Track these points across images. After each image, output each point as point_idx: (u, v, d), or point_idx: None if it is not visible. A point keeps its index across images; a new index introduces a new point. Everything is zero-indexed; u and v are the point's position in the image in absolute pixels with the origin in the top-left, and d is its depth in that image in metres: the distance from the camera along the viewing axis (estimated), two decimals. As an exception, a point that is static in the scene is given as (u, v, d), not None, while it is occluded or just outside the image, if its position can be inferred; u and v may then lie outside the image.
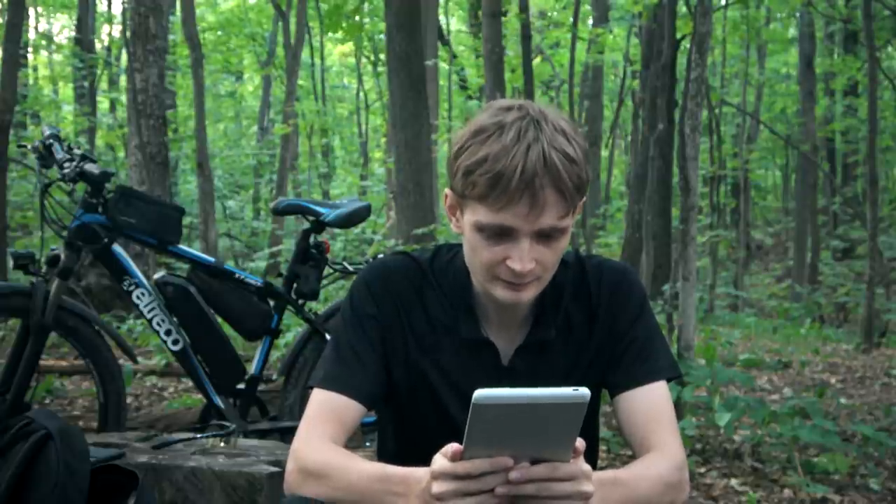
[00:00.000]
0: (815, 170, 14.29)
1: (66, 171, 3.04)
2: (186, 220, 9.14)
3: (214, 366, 3.24)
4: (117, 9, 18.05)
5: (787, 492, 3.31)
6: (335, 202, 3.37)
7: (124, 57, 13.17)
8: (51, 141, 3.14)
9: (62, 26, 23.04)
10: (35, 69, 19.31)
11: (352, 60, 20.64)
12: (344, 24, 14.70)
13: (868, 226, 8.51)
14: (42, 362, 3.38)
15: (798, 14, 14.36)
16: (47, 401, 4.59)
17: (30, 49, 17.19)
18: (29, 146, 3.28)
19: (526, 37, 9.60)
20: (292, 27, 13.84)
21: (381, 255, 3.14)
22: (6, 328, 5.48)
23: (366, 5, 14.93)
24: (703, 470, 3.56)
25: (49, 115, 15.76)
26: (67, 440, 1.91)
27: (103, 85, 17.91)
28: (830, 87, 16.24)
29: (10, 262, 3.15)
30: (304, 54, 16.09)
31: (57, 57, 19.86)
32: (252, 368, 3.29)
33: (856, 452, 3.73)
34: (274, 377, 3.65)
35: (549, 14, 16.73)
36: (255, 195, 18.55)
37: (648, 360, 1.48)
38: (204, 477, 2.10)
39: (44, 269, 3.07)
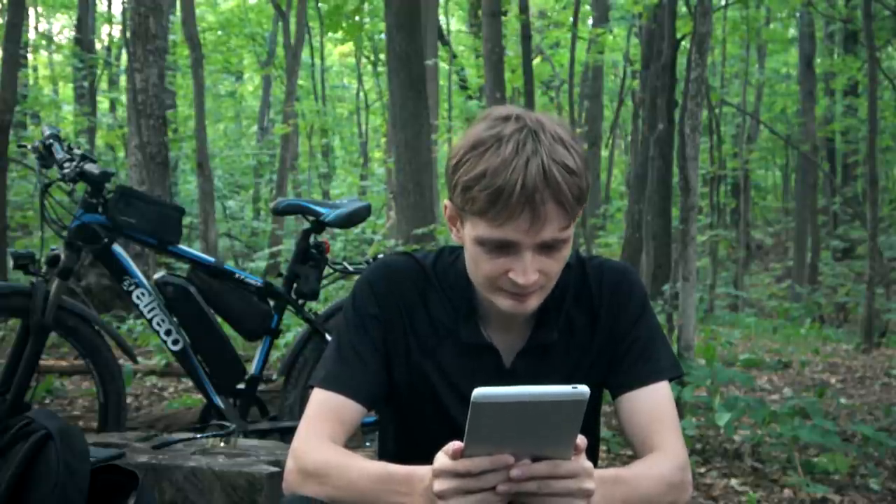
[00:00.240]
0: (815, 170, 14.29)
1: (66, 171, 3.04)
2: (186, 220, 9.14)
3: (214, 366, 3.24)
4: (117, 9, 18.07)
5: (787, 492, 3.31)
6: (335, 202, 3.36)
7: (124, 57, 13.17)
8: (51, 141, 3.14)
9: (62, 26, 23.07)
10: (35, 69, 19.31)
11: (352, 60, 20.65)
12: (344, 24, 14.70)
13: (868, 226, 8.51)
14: (42, 362, 3.38)
15: (798, 14, 14.36)
16: (47, 401, 4.59)
17: (30, 49, 17.19)
18: (29, 146, 3.28)
19: (526, 37, 9.60)
20: (292, 27, 13.85)
21: (381, 255, 3.15)
22: (6, 328, 5.48)
23: (366, 5, 14.92)
24: (703, 470, 3.57)
25: (49, 115, 15.76)
26: (67, 440, 1.91)
27: (103, 85, 17.92)
28: (830, 87, 16.24)
29: (10, 262, 3.14)
30: (304, 54, 16.09)
31: (57, 57, 19.87)
32: (252, 368, 3.29)
33: (856, 452, 3.73)
34: (274, 377, 3.65)
35: (549, 14, 16.72)
36: (255, 195, 18.56)
37: (650, 361, 1.47)
38: (204, 477, 2.10)
39: (44, 269, 3.07)
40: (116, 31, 18.73)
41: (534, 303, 1.39)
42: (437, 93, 12.60)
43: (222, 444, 2.41)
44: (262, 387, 3.35)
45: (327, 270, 3.37)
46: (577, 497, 1.19)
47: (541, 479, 1.17)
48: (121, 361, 3.49)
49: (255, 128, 21.00)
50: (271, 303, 3.31)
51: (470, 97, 16.99)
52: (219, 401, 3.21)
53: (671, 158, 9.37)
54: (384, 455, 1.59)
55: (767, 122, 16.68)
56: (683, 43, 9.59)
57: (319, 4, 15.48)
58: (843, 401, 5.25)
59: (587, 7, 15.33)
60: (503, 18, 10.03)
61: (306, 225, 3.37)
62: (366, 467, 1.33)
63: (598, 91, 15.92)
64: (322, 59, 18.70)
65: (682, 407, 3.98)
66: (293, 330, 5.21)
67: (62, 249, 3.08)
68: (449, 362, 1.48)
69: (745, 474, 3.53)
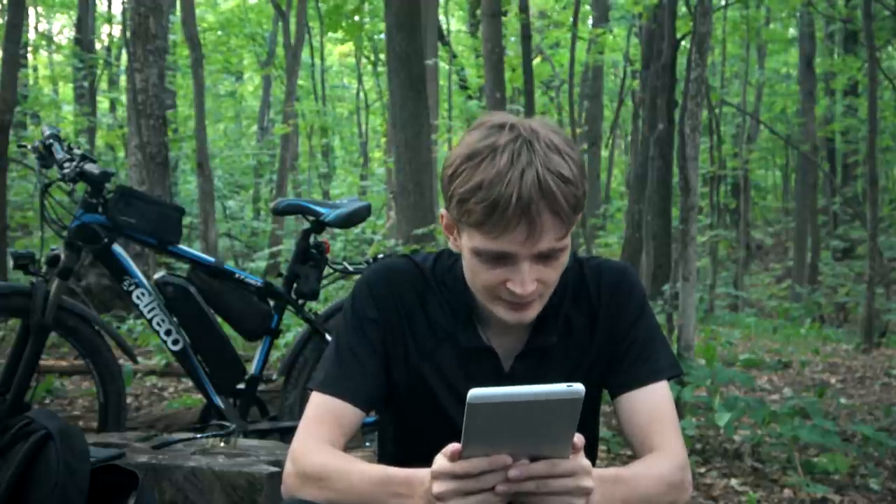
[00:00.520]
0: (815, 170, 14.29)
1: (66, 171, 3.04)
2: (186, 220, 9.14)
3: (214, 366, 3.24)
4: (117, 9, 18.06)
5: (787, 492, 3.31)
6: (335, 202, 3.36)
7: (124, 57, 13.17)
8: (51, 141, 3.14)
9: (62, 26, 23.08)
10: (35, 69, 19.31)
11: (352, 60, 20.65)
12: (344, 24, 14.71)
13: (868, 226, 8.51)
14: (42, 362, 3.38)
15: (798, 14, 14.36)
16: (47, 401, 4.59)
17: (30, 49, 17.19)
18: (29, 146, 3.28)
19: (526, 37, 9.61)
20: (292, 27, 13.85)
21: (381, 256, 3.15)
22: (6, 328, 5.48)
23: (366, 5, 14.92)
24: (703, 470, 3.57)
25: (49, 115, 15.76)
26: (67, 440, 1.91)
27: (103, 85, 17.92)
28: (830, 87, 16.25)
29: (10, 262, 3.14)
30: (304, 54, 16.09)
31: (57, 57, 19.87)
32: (252, 368, 3.29)
33: (856, 452, 3.73)
34: (274, 377, 3.65)
35: (549, 14, 16.72)
36: (255, 195, 18.56)
37: (649, 361, 1.47)
38: (204, 477, 2.10)
39: (44, 269, 3.07)
40: (116, 31, 18.74)
41: (533, 312, 1.39)
42: (437, 93, 12.59)
43: (222, 444, 2.41)
44: (262, 387, 3.35)
45: (327, 270, 3.37)
46: (575, 495, 1.19)
47: (539, 478, 1.17)
48: (121, 361, 3.49)
49: (255, 128, 21.01)
50: (271, 303, 3.31)
51: (470, 97, 16.99)
52: (219, 401, 3.20)
53: (671, 158, 9.37)
54: (383, 457, 1.59)
55: (767, 122, 16.68)
56: (683, 43, 9.59)
57: (319, 4, 15.48)
58: (843, 401, 5.25)
59: (587, 7, 15.33)
60: (503, 18, 10.03)
61: (306, 225, 3.37)
62: (365, 470, 1.33)
63: (598, 91, 15.92)
64: (322, 59, 18.70)
65: (682, 407, 3.98)
66: (293, 330, 5.21)
67: (62, 249, 3.08)
68: (448, 365, 1.47)
69: (745, 474, 3.53)
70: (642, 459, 1.41)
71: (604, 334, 1.49)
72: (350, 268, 3.40)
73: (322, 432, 1.41)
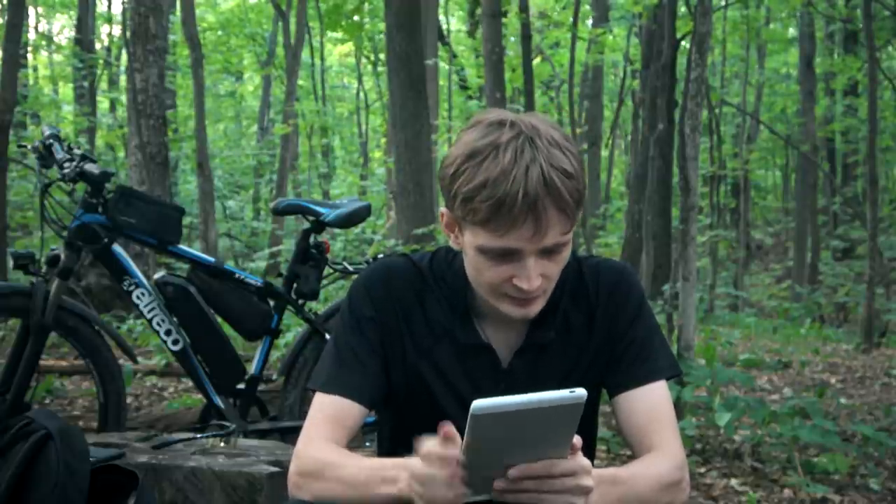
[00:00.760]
0: (815, 170, 14.29)
1: (66, 171, 3.04)
2: (186, 220, 9.13)
3: (214, 366, 3.24)
4: (117, 9, 18.06)
5: (787, 492, 3.31)
6: (335, 202, 3.36)
7: (124, 57, 13.17)
8: (51, 141, 3.14)
9: (62, 26, 23.07)
10: (35, 69, 19.31)
11: (352, 60, 20.65)
12: (343, 24, 14.71)
13: (868, 226, 8.51)
14: (42, 362, 3.38)
15: (798, 14, 14.36)
16: (47, 401, 4.59)
17: (30, 49, 17.19)
18: (29, 146, 3.28)
19: (526, 37, 9.61)
20: (292, 27, 13.85)
21: (381, 256, 3.15)
22: (6, 328, 5.48)
23: (366, 5, 14.93)
24: (703, 470, 3.56)
25: (49, 115, 15.75)
26: (67, 440, 1.91)
27: (103, 85, 17.92)
28: (830, 87, 16.25)
29: (10, 262, 3.14)
30: (304, 54, 16.08)
31: (57, 57, 19.86)
32: (252, 368, 3.29)
33: (856, 452, 3.73)
34: (274, 377, 3.65)
35: (549, 14, 16.72)
36: (255, 195, 18.55)
37: (648, 360, 1.47)
38: (204, 477, 2.10)
39: (44, 269, 3.07)
40: (116, 31, 18.73)
41: (538, 307, 1.39)
42: (437, 93, 12.60)
43: (222, 444, 2.41)
44: (262, 387, 3.35)
45: (327, 270, 3.37)
46: (575, 494, 1.19)
47: (538, 478, 1.17)
48: (121, 361, 3.49)
49: (255, 128, 21.00)
50: (271, 303, 3.31)
51: (470, 97, 17.00)
52: (219, 401, 3.20)
53: (671, 158, 9.37)
54: (383, 456, 1.59)
55: (767, 122, 16.68)
56: (683, 43, 9.59)
57: (319, 4, 15.48)
58: (843, 401, 5.25)
59: (587, 7, 15.33)
60: (503, 19, 10.03)
61: (306, 225, 3.37)
62: (362, 461, 1.35)
63: (598, 91, 15.92)
64: (322, 59, 18.70)
65: (682, 407, 3.98)
66: (293, 330, 5.21)
67: (62, 249, 3.08)
68: (446, 362, 1.48)
69: (745, 474, 3.53)
70: (640, 459, 1.41)
71: (602, 333, 1.49)
72: (350, 268, 3.40)
73: (325, 431, 1.42)
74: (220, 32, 19.72)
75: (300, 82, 17.56)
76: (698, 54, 4.58)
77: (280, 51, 16.55)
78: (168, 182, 8.37)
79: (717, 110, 14.59)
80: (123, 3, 12.70)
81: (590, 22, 15.31)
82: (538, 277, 1.34)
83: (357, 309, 1.48)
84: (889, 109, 15.03)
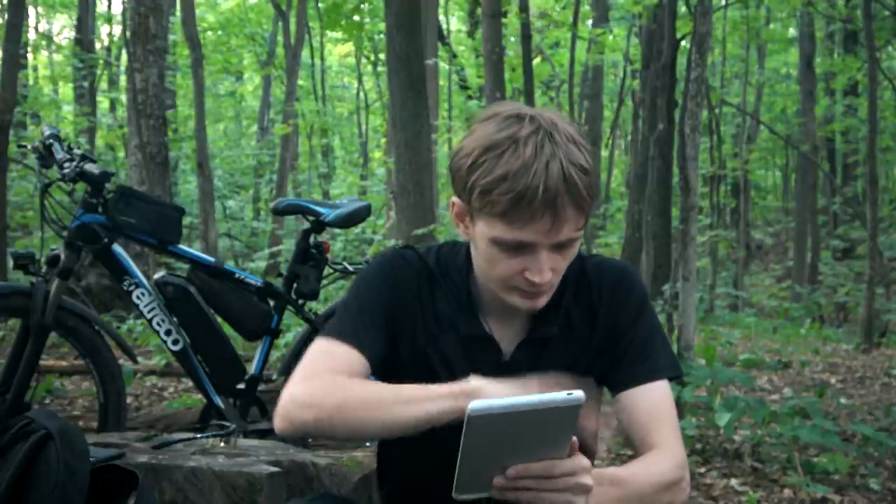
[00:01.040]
0: (815, 170, 14.29)
1: (66, 171, 3.04)
2: (186, 220, 9.14)
3: (214, 366, 3.24)
4: (117, 9, 18.07)
5: (787, 492, 3.31)
6: (335, 202, 3.36)
7: (124, 57, 13.17)
8: (51, 141, 3.14)
9: (62, 26, 23.07)
10: (35, 69, 19.31)
11: (352, 60, 20.65)
12: (342, 23, 14.71)
13: (868, 226, 8.52)
14: (42, 362, 3.38)
15: (798, 14, 14.36)
16: (47, 401, 4.59)
17: (30, 49, 17.19)
18: (29, 146, 3.28)
19: (526, 37, 9.61)
20: (292, 27, 13.85)
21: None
22: (6, 328, 5.48)
23: (365, 5, 14.93)
24: (703, 470, 3.56)
25: (49, 115, 15.76)
26: (67, 440, 1.90)
27: (103, 85, 17.92)
28: (830, 87, 16.25)
29: (10, 262, 3.14)
30: (304, 54, 16.09)
31: (57, 57, 19.87)
32: (252, 368, 3.29)
33: (856, 452, 3.73)
34: (274, 377, 3.65)
35: (549, 14, 16.72)
36: (255, 195, 18.56)
37: (649, 359, 1.48)
38: (204, 477, 2.10)
39: (44, 269, 3.07)
40: (116, 31, 18.74)
41: (545, 300, 1.41)
42: (437, 93, 12.60)
43: (222, 444, 2.41)
44: (262, 387, 3.35)
45: (327, 270, 3.37)
46: (575, 493, 1.19)
47: (539, 477, 1.17)
48: (121, 361, 3.49)
49: (255, 128, 21.01)
50: (271, 303, 3.31)
51: (470, 97, 17.00)
52: (219, 401, 3.20)
53: (671, 158, 9.36)
54: (382, 445, 1.62)
55: (767, 122, 16.68)
56: (683, 43, 9.58)
57: (319, 4, 15.48)
58: (843, 401, 5.25)
59: (587, 7, 15.33)
60: (503, 19, 10.03)
61: (306, 225, 3.36)
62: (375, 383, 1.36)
63: (598, 91, 15.92)
64: (322, 59, 18.70)
65: (682, 407, 3.98)
66: (293, 330, 5.21)
67: (62, 249, 3.08)
68: (450, 351, 1.48)
69: (745, 474, 3.53)
70: (641, 458, 1.42)
71: (604, 331, 1.50)
72: (350, 268, 3.40)
73: (327, 366, 1.40)
74: (220, 32, 19.72)
75: (300, 82, 17.56)
76: (698, 54, 4.58)
77: (280, 51, 16.55)
78: (168, 182, 8.37)
79: (717, 110, 14.60)
80: (123, 3, 12.70)
81: (590, 22, 15.30)
82: (549, 271, 1.35)
83: (372, 280, 1.49)
84: (889, 109, 15.03)
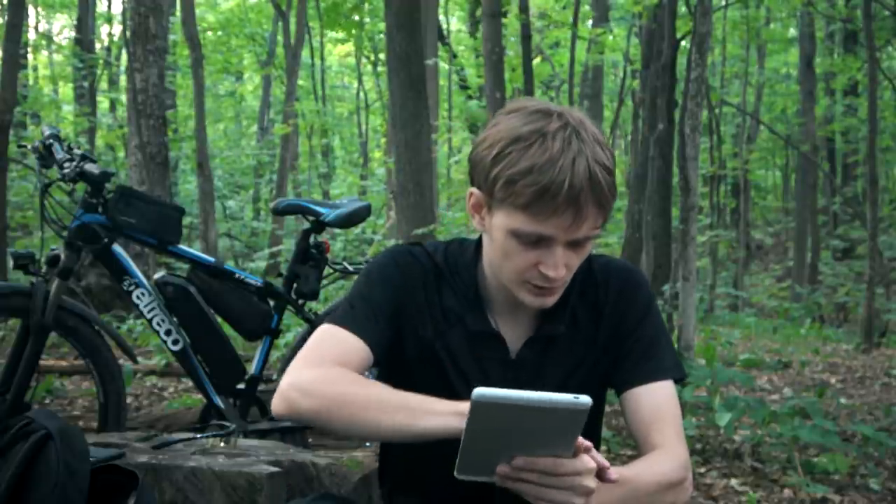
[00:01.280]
0: (815, 170, 14.29)
1: (66, 171, 3.04)
2: (186, 220, 9.15)
3: (214, 366, 3.23)
4: (117, 9, 18.07)
5: (787, 492, 3.31)
6: (335, 202, 3.36)
7: (124, 57, 13.17)
8: (51, 141, 3.13)
9: (62, 26, 23.07)
10: (35, 69, 19.32)
11: (352, 60, 20.66)
12: (342, 23, 14.71)
13: (868, 226, 8.52)
14: (42, 362, 3.38)
15: (798, 14, 14.36)
16: (47, 401, 4.59)
17: (30, 49, 17.19)
18: (29, 146, 3.28)
19: (526, 37, 9.60)
20: (292, 27, 13.85)
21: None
22: (6, 328, 5.48)
23: (365, 5, 14.92)
24: (703, 470, 3.57)
25: (49, 115, 15.75)
26: (67, 440, 1.90)
27: (103, 85, 17.92)
28: (830, 87, 16.25)
29: (10, 262, 3.14)
30: (304, 54, 16.09)
31: (57, 57, 19.88)
32: (252, 368, 3.29)
33: (856, 452, 3.73)
34: (274, 377, 3.65)
35: (549, 14, 16.72)
36: (255, 195, 18.56)
37: (654, 359, 1.48)
38: (204, 477, 2.10)
39: (44, 269, 3.06)
40: (116, 31, 18.74)
41: (555, 297, 1.41)
42: (437, 93, 12.60)
43: (222, 444, 2.41)
44: (262, 387, 3.35)
45: (327, 270, 3.37)
46: (577, 493, 1.19)
47: (542, 472, 1.18)
48: (121, 361, 3.48)
49: (255, 128, 21.01)
50: (271, 303, 3.31)
51: (470, 97, 16.99)
52: (219, 401, 3.20)
53: (671, 158, 9.37)
54: (385, 444, 1.61)
55: (767, 122, 16.68)
56: (683, 43, 9.58)
57: (319, 4, 15.48)
58: (843, 401, 5.25)
59: (587, 7, 15.33)
60: (503, 19, 10.03)
61: (306, 225, 3.36)
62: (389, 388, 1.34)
63: (598, 91, 15.90)
64: (322, 59, 18.70)
65: (682, 407, 3.97)
66: (293, 330, 5.21)
67: (62, 249, 3.08)
68: (457, 346, 1.49)
69: (745, 474, 3.53)
70: (643, 458, 1.42)
71: (609, 331, 1.51)
72: (350, 268, 3.40)
73: (329, 354, 1.40)
74: (220, 32, 19.71)
75: (300, 82, 17.56)
76: (698, 54, 4.58)
77: (280, 51, 16.55)
78: (168, 182, 8.37)
79: (717, 110, 14.60)
80: (123, 3, 12.70)
81: (590, 22, 15.30)
82: (563, 267, 1.36)
83: (380, 274, 1.49)
84: (889, 109, 15.03)
